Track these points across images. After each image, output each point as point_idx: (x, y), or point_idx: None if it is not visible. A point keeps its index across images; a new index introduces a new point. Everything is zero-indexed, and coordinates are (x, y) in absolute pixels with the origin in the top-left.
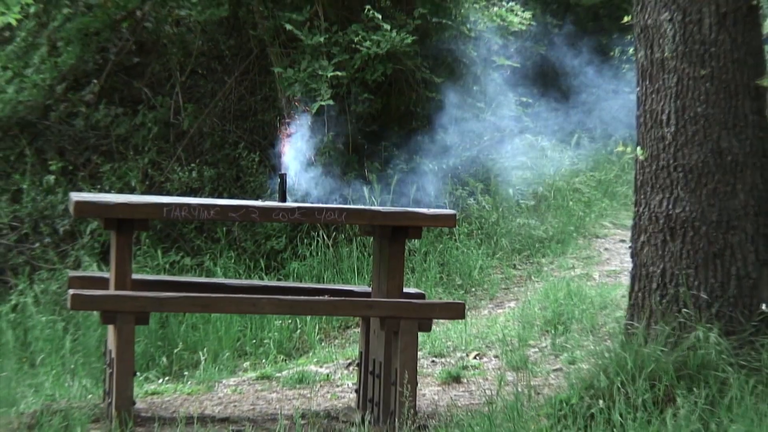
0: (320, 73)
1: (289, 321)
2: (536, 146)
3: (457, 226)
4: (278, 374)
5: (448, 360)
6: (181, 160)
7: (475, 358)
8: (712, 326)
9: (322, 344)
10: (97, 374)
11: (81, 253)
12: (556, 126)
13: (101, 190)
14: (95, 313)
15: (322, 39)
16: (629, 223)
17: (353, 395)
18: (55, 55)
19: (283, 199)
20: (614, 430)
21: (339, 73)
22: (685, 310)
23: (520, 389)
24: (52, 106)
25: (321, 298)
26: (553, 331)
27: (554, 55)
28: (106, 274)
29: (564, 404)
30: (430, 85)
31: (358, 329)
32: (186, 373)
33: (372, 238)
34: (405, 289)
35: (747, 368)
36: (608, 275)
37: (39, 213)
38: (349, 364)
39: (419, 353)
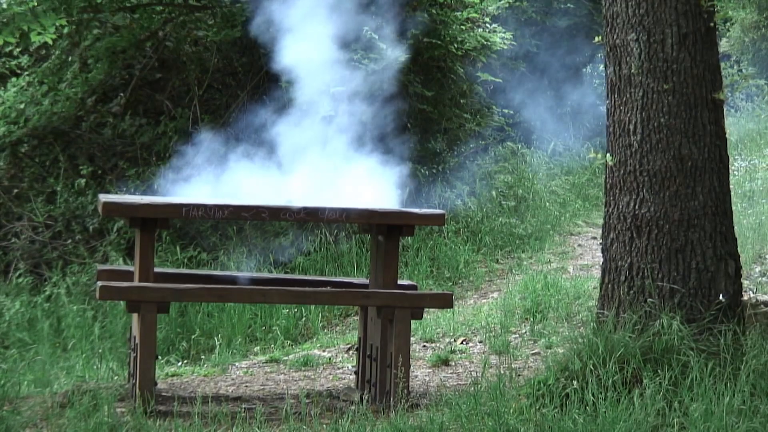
0: (324, 87)
1: (295, 310)
2: (517, 153)
3: (445, 225)
4: (285, 358)
5: (437, 345)
6: (199, 165)
7: (462, 343)
8: (674, 315)
9: (325, 331)
10: (123, 358)
11: (108, 249)
12: (535, 135)
13: (127, 193)
14: (121, 302)
15: (325, 56)
16: (600, 221)
17: (353, 377)
18: (85, 71)
19: None
20: (587, 408)
21: (340, 88)
22: (650, 300)
23: (502, 371)
24: (83, 116)
25: (324, 289)
26: (531, 319)
27: (532, 72)
28: (131, 268)
29: (542, 385)
30: (422, 98)
31: (357, 317)
32: (202, 356)
33: (369, 236)
34: (399, 281)
35: (706, 352)
36: (581, 269)
37: (71, 213)
38: (349, 349)
39: (412, 339)
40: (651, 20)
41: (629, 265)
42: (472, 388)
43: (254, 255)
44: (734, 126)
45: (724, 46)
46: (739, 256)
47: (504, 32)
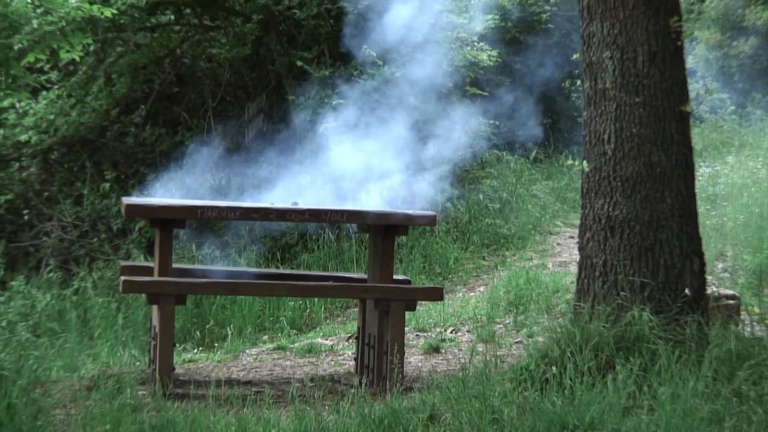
0: (326, 100)
1: (300, 302)
2: (502, 160)
3: (436, 225)
4: (291, 345)
5: (429, 334)
6: (213, 171)
7: (451, 332)
8: (644, 307)
9: (327, 321)
10: (144, 346)
11: (131, 247)
12: (518, 143)
13: (147, 196)
14: (142, 295)
15: (327, 72)
16: (577, 222)
17: (352, 363)
18: (110, 85)
19: None
20: (565, 391)
21: (341, 101)
22: (622, 293)
23: (488, 358)
24: (108, 126)
25: (326, 283)
26: (515, 311)
27: (516, 86)
28: (151, 264)
29: (524, 370)
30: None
31: (357, 309)
32: (216, 344)
33: (368, 235)
34: (394, 276)
35: (673, 341)
36: (560, 265)
37: (97, 214)
38: (349, 338)
39: (406, 328)
40: (624, 39)
41: (603, 262)
42: (461, 373)
43: (263, 252)
44: (699, 136)
45: (690, 62)
46: (704, 254)
47: (490, 50)
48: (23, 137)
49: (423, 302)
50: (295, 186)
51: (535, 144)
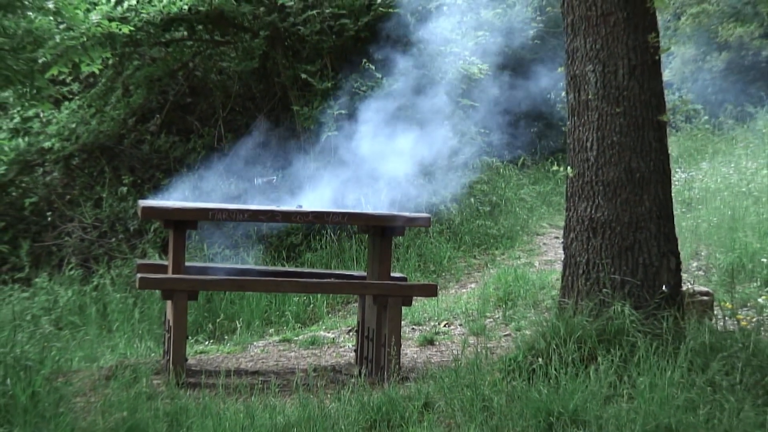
0: (328, 110)
1: (304, 298)
2: (491, 166)
3: (431, 226)
4: (296, 338)
5: (424, 327)
6: (223, 176)
7: (444, 326)
8: (625, 302)
9: (329, 315)
10: (158, 338)
11: (146, 246)
12: (507, 150)
13: (162, 199)
14: (157, 291)
15: (329, 84)
16: (562, 224)
17: (353, 354)
18: (127, 96)
19: None
20: (550, 381)
21: (342, 111)
22: (604, 290)
23: (479, 350)
24: (125, 134)
25: (328, 280)
26: (504, 306)
27: (505, 97)
28: (165, 262)
29: (512, 361)
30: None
31: (357, 304)
32: (226, 337)
33: (367, 235)
34: (392, 274)
35: (651, 334)
36: (546, 263)
37: (115, 216)
38: (350, 331)
39: (402, 322)
40: (605, 54)
41: (586, 260)
42: (454, 364)
43: (270, 251)
44: (675, 143)
45: (667, 75)
46: (679, 254)
47: (481, 64)
48: (47, 144)
49: (418, 298)
50: (299, 189)
51: (522, 151)
